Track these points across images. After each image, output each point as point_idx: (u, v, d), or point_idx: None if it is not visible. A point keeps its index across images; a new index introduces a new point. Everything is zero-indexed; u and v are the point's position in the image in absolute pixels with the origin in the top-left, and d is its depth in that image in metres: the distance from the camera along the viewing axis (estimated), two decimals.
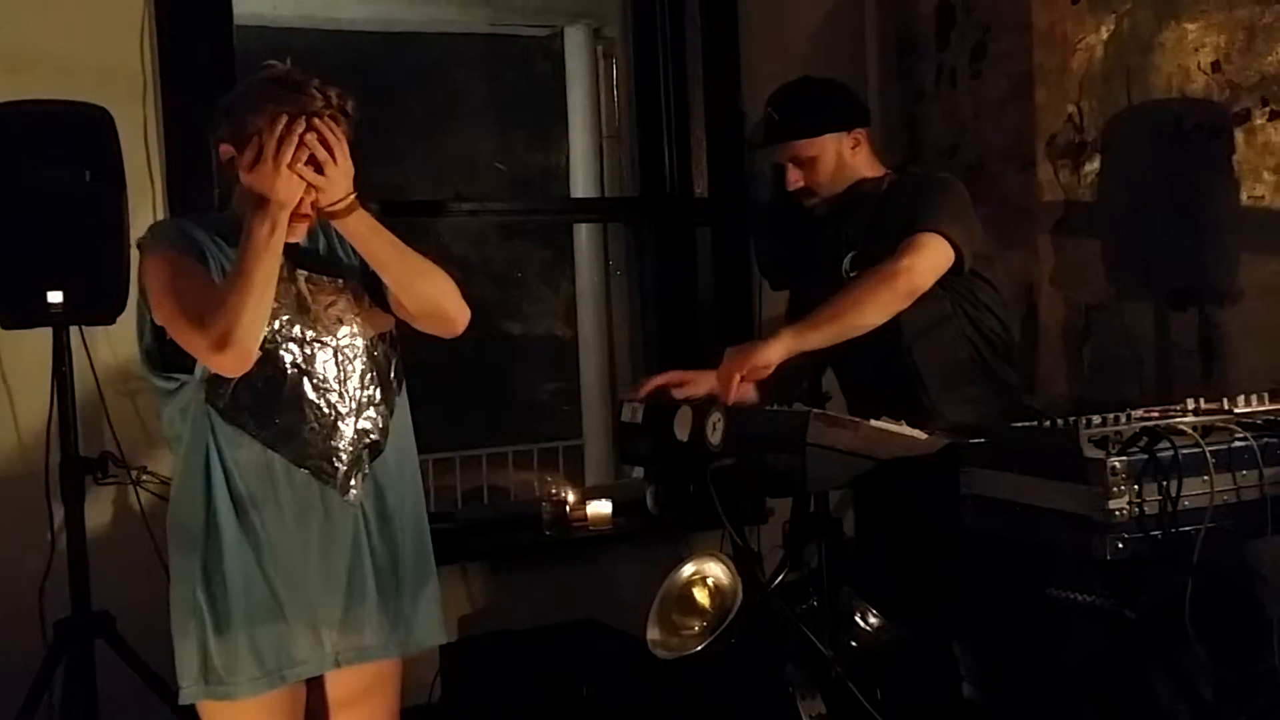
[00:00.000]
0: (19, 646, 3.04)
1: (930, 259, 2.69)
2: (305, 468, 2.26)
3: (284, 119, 2.13)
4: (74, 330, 3.07)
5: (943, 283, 2.74)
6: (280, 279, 2.23)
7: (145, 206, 3.35)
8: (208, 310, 2.12)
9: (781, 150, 2.94)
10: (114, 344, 3.26)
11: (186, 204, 3.37)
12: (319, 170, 2.16)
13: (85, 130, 2.99)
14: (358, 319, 2.34)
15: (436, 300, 2.30)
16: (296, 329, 2.26)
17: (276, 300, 2.22)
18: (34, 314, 2.96)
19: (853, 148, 2.91)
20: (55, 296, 2.92)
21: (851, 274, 2.86)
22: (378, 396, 2.34)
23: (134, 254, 3.01)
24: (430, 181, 4.85)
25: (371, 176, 4.45)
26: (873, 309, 2.67)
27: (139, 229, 3.17)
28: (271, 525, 2.24)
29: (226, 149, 2.24)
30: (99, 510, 3.09)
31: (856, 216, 2.91)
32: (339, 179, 2.17)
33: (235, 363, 2.15)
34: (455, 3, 4.66)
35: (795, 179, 2.93)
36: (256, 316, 2.13)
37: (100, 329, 3.14)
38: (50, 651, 3.00)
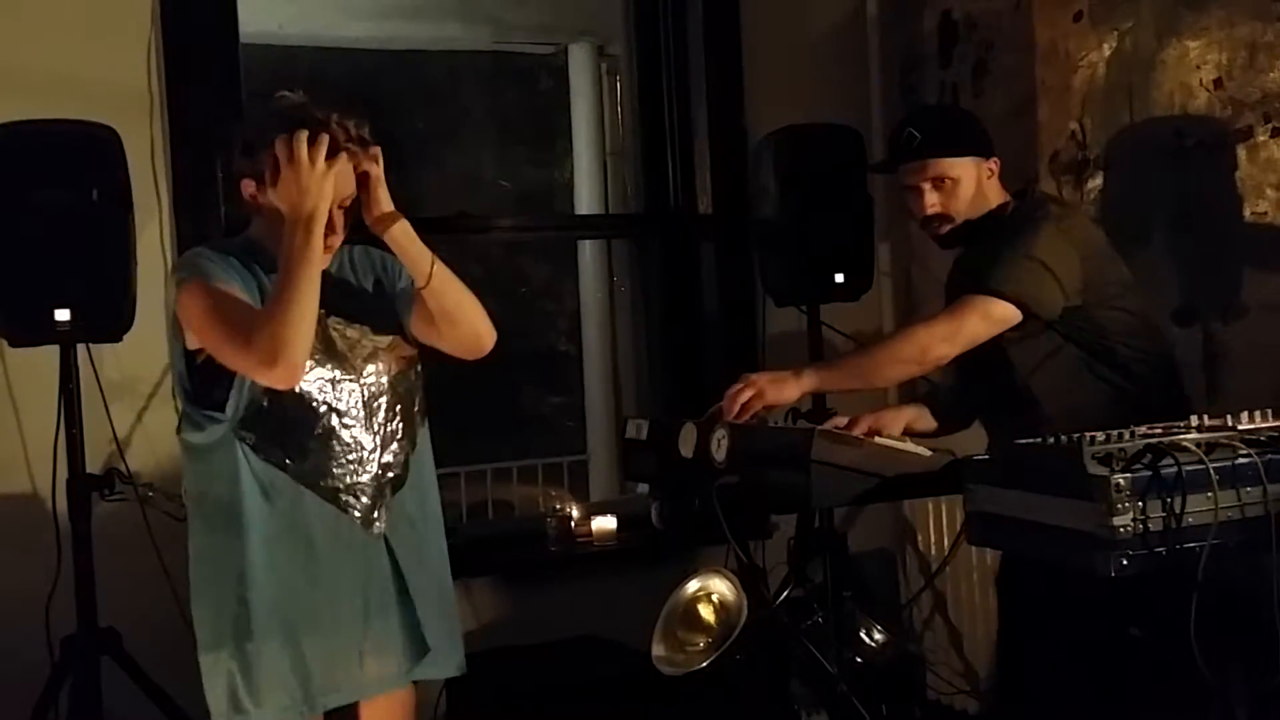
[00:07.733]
0: (25, 663, 3.04)
1: (976, 326, 2.61)
2: (334, 503, 2.27)
3: (303, 134, 2.13)
4: (81, 348, 3.08)
5: (1051, 322, 2.65)
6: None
7: (152, 226, 3.36)
8: (255, 327, 2.11)
9: (921, 170, 2.76)
10: (121, 361, 3.28)
11: (193, 223, 3.39)
12: (354, 194, 2.22)
13: (92, 150, 3.01)
14: (382, 354, 2.35)
15: (470, 316, 2.36)
16: (325, 367, 2.27)
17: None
18: (41, 331, 2.97)
19: (988, 177, 2.80)
20: (62, 314, 2.93)
21: None
22: (400, 431, 2.36)
23: (140, 273, 3.05)
24: (435, 198, 4.86)
25: None
26: (892, 371, 2.71)
27: (145, 248, 3.22)
28: (302, 560, 2.25)
29: (248, 184, 2.24)
30: (105, 527, 3.09)
31: (981, 246, 2.78)
32: (379, 190, 2.23)
33: (286, 373, 2.14)
34: (459, 21, 4.69)
35: (932, 203, 2.77)
36: (304, 327, 2.12)
37: (107, 346, 3.15)
38: (56, 668, 3.01)
